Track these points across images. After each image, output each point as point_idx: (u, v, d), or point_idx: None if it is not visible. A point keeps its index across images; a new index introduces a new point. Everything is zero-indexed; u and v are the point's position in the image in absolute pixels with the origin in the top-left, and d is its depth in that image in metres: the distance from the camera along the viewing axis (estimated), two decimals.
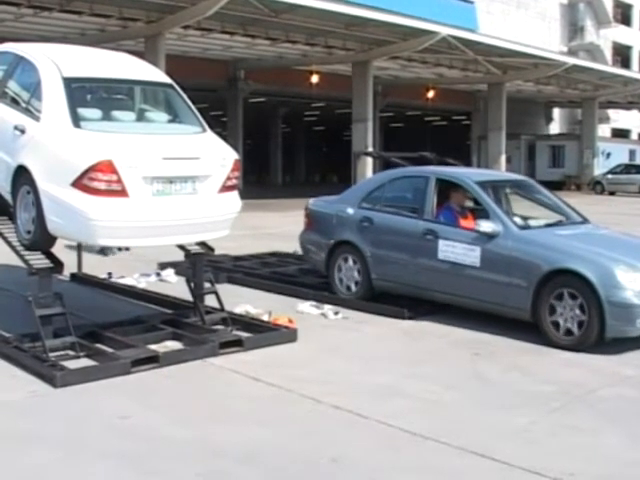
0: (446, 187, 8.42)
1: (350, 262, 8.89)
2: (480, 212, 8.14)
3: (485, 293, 7.69)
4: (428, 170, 9.00)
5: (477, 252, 7.70)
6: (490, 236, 7.64)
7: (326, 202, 9.64)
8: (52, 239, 6.59)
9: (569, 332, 7.11)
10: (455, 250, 7.87)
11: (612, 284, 6.95)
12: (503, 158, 34.31)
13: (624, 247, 7.92)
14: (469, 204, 8.63)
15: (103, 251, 11.45)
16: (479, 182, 8.29)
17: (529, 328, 7.52)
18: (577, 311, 7.04)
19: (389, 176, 9.37)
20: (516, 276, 7.44)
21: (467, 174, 8.84)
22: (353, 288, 8.86)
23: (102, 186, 5.96)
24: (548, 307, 7.19)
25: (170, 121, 7.16)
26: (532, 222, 8.26)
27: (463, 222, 8.21)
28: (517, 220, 8.00)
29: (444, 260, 7.96)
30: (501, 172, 10.07)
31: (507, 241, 7.58)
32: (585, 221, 8.65)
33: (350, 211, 9.00)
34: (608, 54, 50.32)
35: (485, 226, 7.65)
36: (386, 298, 8.51)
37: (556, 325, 7.17)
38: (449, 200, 8.46)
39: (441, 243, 7.98)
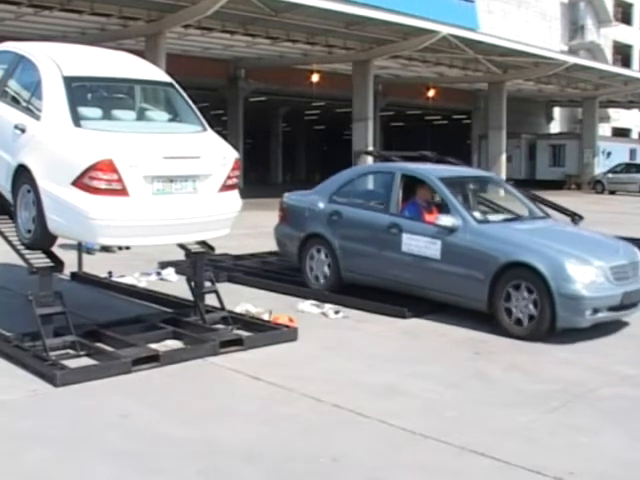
0: (412, 183, 8.69)
1: (320, 254, 9.16)
2: (444, 207, 8.35)
3: (445, 284, 7.95)
4: (394, 166, 9.32)
5: (438, 245, 7.96)
6: (450, 230, 7.90)
7: (300, 196, 9.89)
8: (52, 238, 6.59)
9: (522, 322, 7.36)
10: (418, 243, 8.14)
11: (563, 277, 7.19)
12: (503, 157, 34.30)
13: (578, 241, 8.17)
14: (437, 199, 8.79)
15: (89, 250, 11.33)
16: (442, 178, 8.51)
17: None
18: (530, 303, 7.29)
19: (358, 171, 9.80)
20: (474, 268, 7.68)
21: (431, 170, 9.02)
22: (322, 279, 9.12)
23: (102, 185, 5.96)
24: (503, 298, 7.44)
25: (170, 120, 7.16)
26: (491, 217, 8.58)
27: (428, 217, 8.43)
28: (476, 215, 8.26)
29: (407, 253, 8.22)
30: (469, 169, 10.47)
31: (466, 235, 7.83)
32: (546, 216, 8.97)
33: (321, 205, 9.28)
34: (609, 53, 50.27)
35: (445, 220, 7.93)
36: (387, 297, 8.50)
37: (510, 315, 7.43)
38: (415, 195, 8.70)
39: (405, 236, 8.25)
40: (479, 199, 9.44)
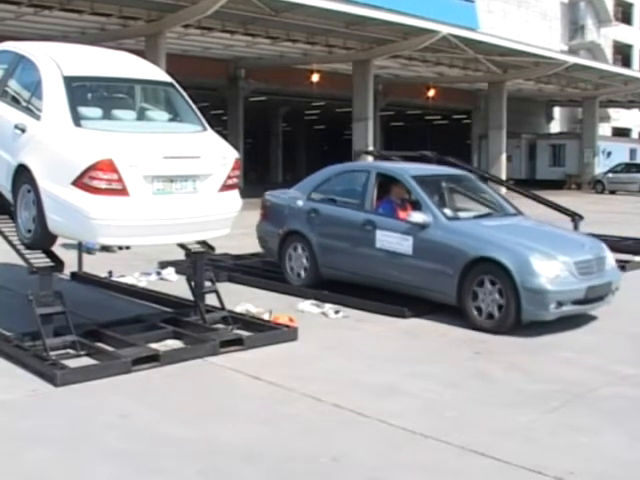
0: (386, 181, 8.94)
1: (299, 250, 9.42)
2: (417, 204, 8.55)
3: (417, 279, 8.19)
4: (370, 165, 9.72)
5: (410, 241, 8.20)
6: (421, 226, 8.14)
7: (280, 194, 10.19)
8: (53, 238, 6.59)
9: (490, 316, 7.57)
10: (390, 239, 8.38)
11: (527, 271, 7.40)
12: (504, 157, 34.24)
13: (544, 237, 8.41)
14: (411, 197, 8.95)
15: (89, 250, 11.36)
16: (414, 176, 8.75)
17: (529, 327, 7.53)
18: (496, 296, 7.51)
19: (335, 170, 9.94)
20: (443, 263, 7.92)
21: (405, 169, 9.27)
22: (302, 275, 9.39)
23: (103, 185, 5.96)
24: (471, 293, 7.66)
25: (171, 120, 7.16)
26: (461, 214, 8.79)
27: (402, 214, 8.63)
28: (447, 211, 8.48)
29: (381, 249, 8.46)
30: (444, 168, 10.79)
31: (437, 231, 8.07)
32: (517, 213, 9.19)
33: (300, 203, 9.56)
34: (609, 53, 50.24)
35: (416, 217, 8.19)
36: (387, 297, 8.50)
37: (478, 309, 7.64)
38: (389, 193, 8.93)
39: (378, 233, 8.50)
40: (454, 196, 9.63)
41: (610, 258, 8.37)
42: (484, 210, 9.26)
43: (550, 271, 7.46)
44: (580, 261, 7.75)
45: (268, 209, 10.07)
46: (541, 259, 7.51)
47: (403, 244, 8.24)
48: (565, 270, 7.56)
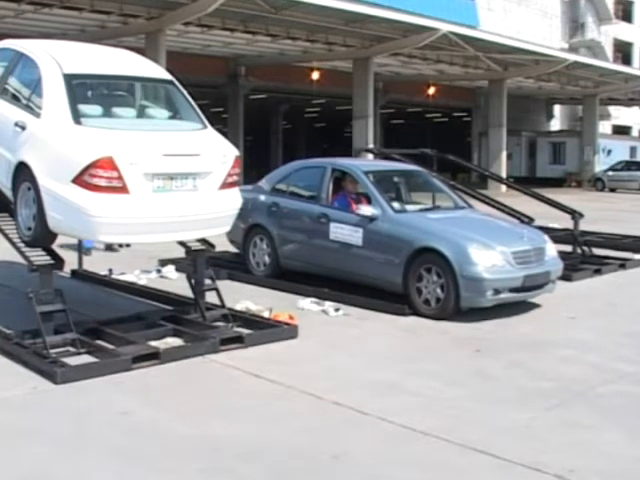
0: (341, 176, 9.39)
1: (261, 243, 9.87)
2: (369, 198, 8.95)
3: (367, 269, 8.59)
4: (325, 161, 10.07)
5: (360, 233, 8.61)
6: (370, 219, 8.55)
7: (245, 189, 10.42)
8: (53, 236, 6.58)
9: (430, 302, 7.97)
10: (343, 231, 8.80)
11: (466, 260, 7.79)
12: (504, 155, 34.28)
13: (485, 229, 8.75)
14: (365, 191, 9.26)
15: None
16: (366, 171, 9.21)
17: (529, 326, 7.53)
18: (438, 284, 7.90)
19: (295, 166, 10.41)
20: (390, 253, 8.33)
21: (358, 164, 9.79)
22: (263, 266, 9.83)
23: (103, 183, 5.96)
24: (415, 281, 8.06)
25: (171, 118, 7.17)
26: (409, 207, 9.17)
27: (354, 207, 8.95)
28: (395, 205, 8.88)
29: (334, 240, 8.88)
30: (398, 164, 11.04)
31: (384, 223, 8.49)
32: (465, 206, 9.63)
33: (262, 197, 10.00)
34: (609, 51, 50.21)
35: (365, 210, 8.61)
36: (387, 295, 8.50)
37: (421, 296, 8.03)
38: (344, 188, 9.34)
39: (332, 225, 8.92)
40: (406, 190, 9.89)
41: (551, 249, 8.70)
42: (431, 203, 9.65)
43: (487, 260, 7.81)
44: (518, 251, 8.09)
45: None
46: (479, 249, 7.86)
47: (354, 235, 8.62)
48: (502, 259, 7.91)
